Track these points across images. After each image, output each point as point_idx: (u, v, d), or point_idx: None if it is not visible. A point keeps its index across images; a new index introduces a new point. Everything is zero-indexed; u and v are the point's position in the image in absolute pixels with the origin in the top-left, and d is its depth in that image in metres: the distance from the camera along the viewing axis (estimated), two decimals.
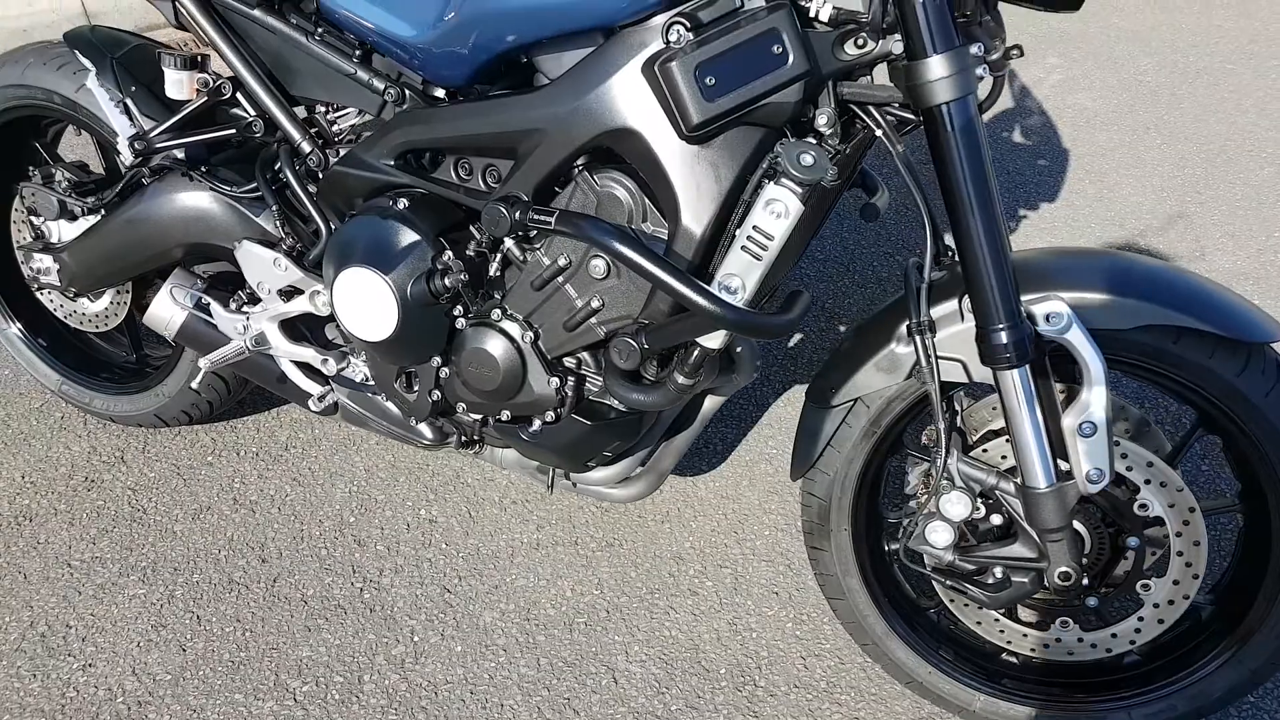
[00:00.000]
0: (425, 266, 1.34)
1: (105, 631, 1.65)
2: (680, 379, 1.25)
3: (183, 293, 1.56)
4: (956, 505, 1.27)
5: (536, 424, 1.42)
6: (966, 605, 1.40)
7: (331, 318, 1.53)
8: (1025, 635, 1.40)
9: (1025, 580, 1.29)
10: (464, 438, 1.55)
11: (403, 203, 1.36)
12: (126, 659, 1.60)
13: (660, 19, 1.12)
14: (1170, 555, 1.29)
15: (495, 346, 1.35)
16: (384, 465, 1.98)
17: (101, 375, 2.00)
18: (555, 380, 1.36)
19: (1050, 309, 1.16)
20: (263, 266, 1.49)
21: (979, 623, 1.41)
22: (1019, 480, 1.24)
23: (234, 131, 1.49)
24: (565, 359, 1.38)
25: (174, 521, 1.86)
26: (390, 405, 1.57)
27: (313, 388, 1.55)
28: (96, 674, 1.58)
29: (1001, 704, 1.43)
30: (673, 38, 1.09)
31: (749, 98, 1.09)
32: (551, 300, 1.32)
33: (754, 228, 1.12)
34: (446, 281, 1.32)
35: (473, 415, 1.47)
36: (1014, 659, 1.46)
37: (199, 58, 1.50)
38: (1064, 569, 1.25)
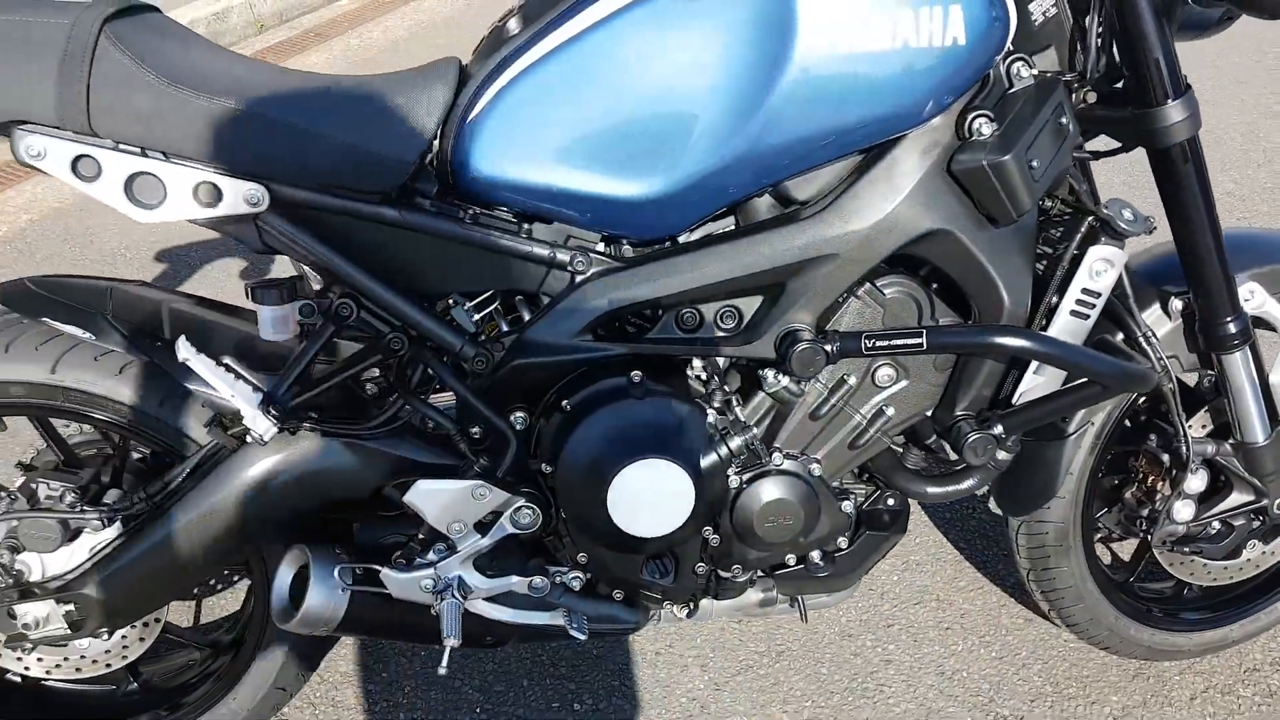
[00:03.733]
0: (703, 435, 1.20)
1: None
2: (1003, 455, 1.26)
3: (344, 570, 1.22)
4: (1196, 480, 1.42)
5: (818, 556, 1.33)
6: (1182, 563, 1.56)
7: (517, 536, 1.31)
8: (1225, 568, 1.60)
9: (1244, 522, 1.49)
10: (684, 604, 1.40)
11: (638, 375, 1.20)
12: None
13: (941, 118, 1.12)
14: None
15: (788, 492, 1.25)
16: (492, 676, 1.70)
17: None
18: (847, 503, 1.29)
19: (1247, 290, 1.35)
20: (454, 501, 1.22)
21: (1192, 574, 1.58)
22: (1233, 440, 1.42)
23: (379, 357, 1.20)
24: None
25: None
26: (590, 604, 1.38)
27: (553, 619, 1.30)
28: None
29: (1207, 634, 1.63)
30: (985, 131, 1.10)
31: (1057, 171, 1.13)
32: (832, 424, 1.25)
33: (1083, 290, 1.17)
34: (736, 442, 1.20)
35: (742, 571, 1.34)
36: (1195, 592, 1.66)
37: (291, 285, 1.19)
38: None
